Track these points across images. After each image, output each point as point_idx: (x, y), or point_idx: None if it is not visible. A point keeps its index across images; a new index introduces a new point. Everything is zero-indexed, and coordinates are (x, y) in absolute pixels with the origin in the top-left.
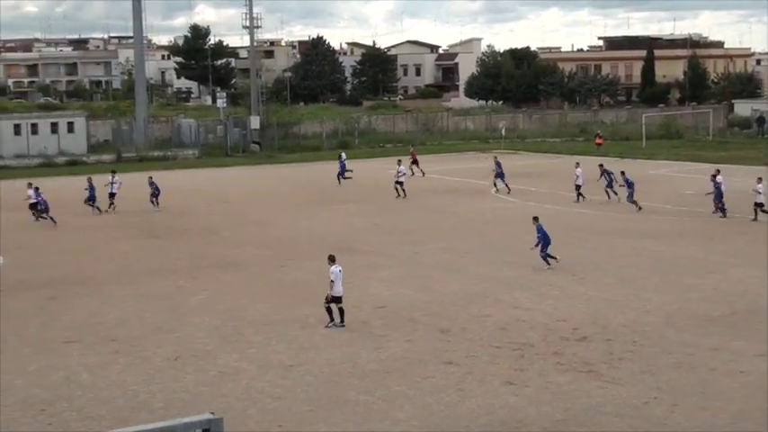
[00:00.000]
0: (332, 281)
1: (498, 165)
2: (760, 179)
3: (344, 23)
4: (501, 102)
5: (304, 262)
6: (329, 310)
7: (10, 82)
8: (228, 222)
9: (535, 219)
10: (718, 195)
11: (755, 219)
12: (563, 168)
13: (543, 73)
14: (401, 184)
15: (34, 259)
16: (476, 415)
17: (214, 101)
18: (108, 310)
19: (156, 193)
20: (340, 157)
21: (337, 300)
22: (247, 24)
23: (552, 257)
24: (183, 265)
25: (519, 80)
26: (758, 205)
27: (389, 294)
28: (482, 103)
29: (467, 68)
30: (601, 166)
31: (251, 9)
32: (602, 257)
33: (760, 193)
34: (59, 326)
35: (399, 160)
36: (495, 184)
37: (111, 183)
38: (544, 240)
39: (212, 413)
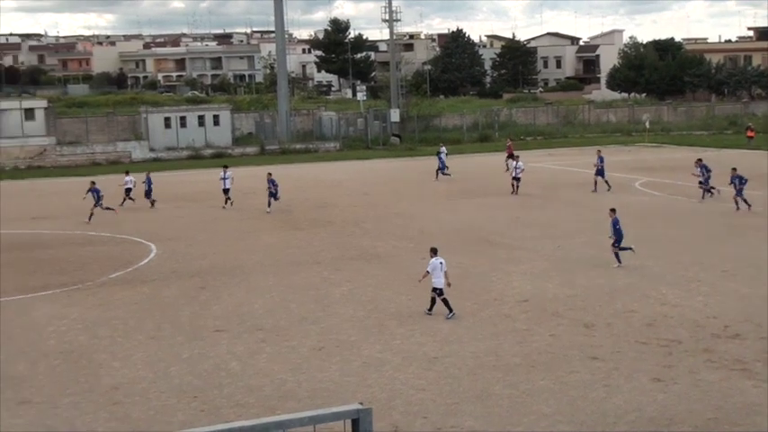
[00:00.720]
0: (427, 271)
1: (601, 160)
2: None
3: (483, 16)
4: (644, 94)
5: (446, 254)
6: (445, 302)
7: (160, 76)
8: (370, 214)
9: (612, 211)
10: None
11: None
12: (710, 162)
13: (689, 64)
14: (518, 180)
15: (184, 249)
16: (623, 412)
17: (354, 94)
18: (254, 300)
19: (273, 191)
20: (439, 152)
21: (437, 291)
22: (387, 18)
23: (618, 255)
24: (326, 257)
25: (663, 72)
26: None
27: (532, 288)
28: (624, 95)
29: (608, 60)
30: (699, 160)
31: (390, 2)
32: (752, 253)
33: None
34: (209, 315)
35: (517, 156)
36: (595, 183)
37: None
38: (617, 235)
39: (361, 403)
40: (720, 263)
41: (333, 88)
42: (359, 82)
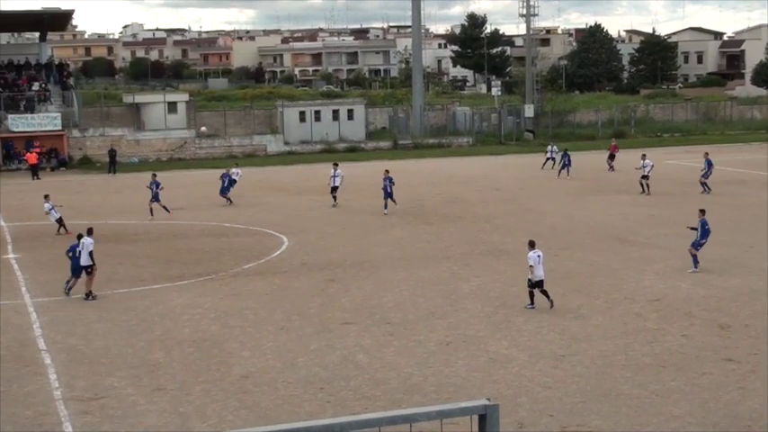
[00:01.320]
0: (530, 266)
1: (708, 164)
2: None
3: (622, 10)
4: None
5: (576, 252)
6: (531, 294)
7: (296, 71)
8: (501, 210)
9: (701, 212)
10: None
11: None
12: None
13: None
14: (646, 178)
15: (315, 242)
16: (758, 415)
17: (489, 89)
18: (383, 294)
19: (389, 191)
20: (557, 151)
21: (539, 284)
22: (524, 12)
23: (696, 257)
24: (455, 252)
25: None
26: None
27: (664, 287)
28: None
29: (754, 56)
30: None
31: None
32: None
33: None
34: (338, 307)
35: (644, 154)
36: (703, 185)
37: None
38: (701, 236)
39: (488, 399)
40: None
41: (468, 83)
42: (494, 77)
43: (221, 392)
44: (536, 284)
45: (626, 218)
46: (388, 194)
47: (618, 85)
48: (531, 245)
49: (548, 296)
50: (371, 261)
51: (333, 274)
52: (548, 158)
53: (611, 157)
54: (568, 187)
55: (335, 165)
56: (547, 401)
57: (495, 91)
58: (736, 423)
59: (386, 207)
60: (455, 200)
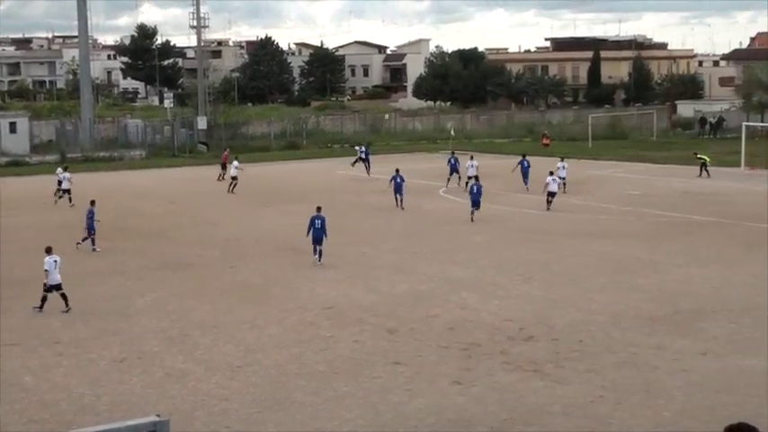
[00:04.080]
0: (45, 270)
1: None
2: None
3: (292, 23)
4: (449, 102)
5: (251, 263)
6: (44, 299)
7: None
8: (176, 223)
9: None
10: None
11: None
12: (510, 169)
13: (491, 74)
14: (235, 179)
15: None
16: (423, 415)
17: (161, 101)
18: (51, 312)
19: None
20: (365, 150)
21: (57, 287)
22: (194, 24)
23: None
24: (129, 267)
25: (467, 81)
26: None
27: (337, 295)
28: (430, 103)
29: (415, 69)
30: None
31: (198, 9)
32: (548, 258)
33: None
34: (2, 328)
35: (235, 156)
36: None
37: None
38: (88, 228)
39: (158, 415)
40: (516, 267)
41: (139, 95)
42: (166, 89)
43: None
44: (52, 288)
45: (299, 227)
46: (90, 229)
47: (289, 97)
48: (48, 251)
49: (66, 300)
50: (38, 278)
51: None
52: (364, 160)
53: (223, 166)
54: (245, 198)
55: (65, 168)
56: (223, 413)
57: (168, 103)
58: (403, 423)
59: (93, 243)
60: (129, 213)
